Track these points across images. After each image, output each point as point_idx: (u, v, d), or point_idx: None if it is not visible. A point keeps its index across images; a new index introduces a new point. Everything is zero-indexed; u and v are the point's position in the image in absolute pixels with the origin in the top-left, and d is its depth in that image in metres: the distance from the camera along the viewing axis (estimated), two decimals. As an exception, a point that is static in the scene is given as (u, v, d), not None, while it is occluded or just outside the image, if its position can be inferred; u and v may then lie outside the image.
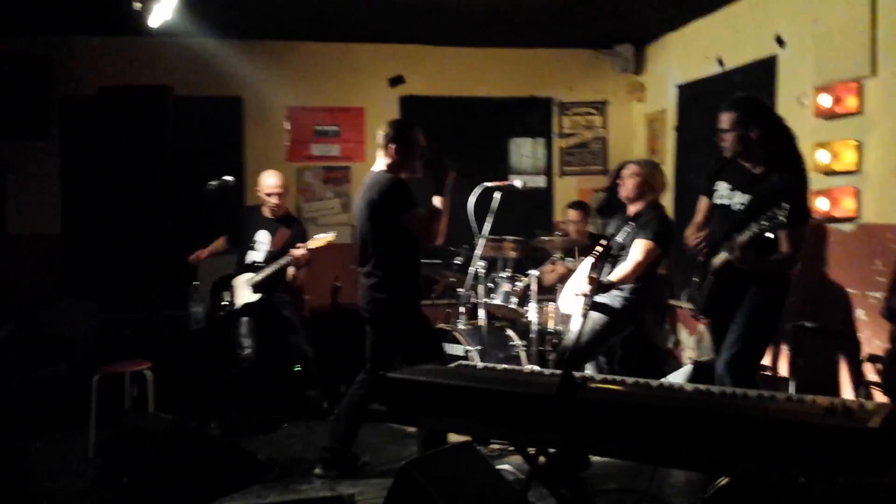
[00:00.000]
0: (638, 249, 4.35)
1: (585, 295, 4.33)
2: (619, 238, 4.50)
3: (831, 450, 1.88)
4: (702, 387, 2.38)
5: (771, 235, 3.39)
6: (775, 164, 3.66)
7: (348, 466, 4.34)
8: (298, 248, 5.14)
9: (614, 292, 4.42)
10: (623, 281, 4.35)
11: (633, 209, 4.57)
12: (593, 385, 2.39)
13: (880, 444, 1.87)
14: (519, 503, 3.17)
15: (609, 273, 4.38)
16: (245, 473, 4.21)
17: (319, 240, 5.17)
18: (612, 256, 4.40)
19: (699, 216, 4.01)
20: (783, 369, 4.97)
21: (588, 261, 4.75)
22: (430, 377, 2.65)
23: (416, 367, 2.87)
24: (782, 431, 1.95)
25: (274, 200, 5.39)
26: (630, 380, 2.48)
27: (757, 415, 2.04)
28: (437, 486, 3.08)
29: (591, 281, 4.20)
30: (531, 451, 2.41)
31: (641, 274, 4.37)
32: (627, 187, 4.56)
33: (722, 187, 3.84)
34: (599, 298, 4.41)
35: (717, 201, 3.87)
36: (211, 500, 3.90)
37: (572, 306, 4.69)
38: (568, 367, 2.10)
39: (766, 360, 4.97)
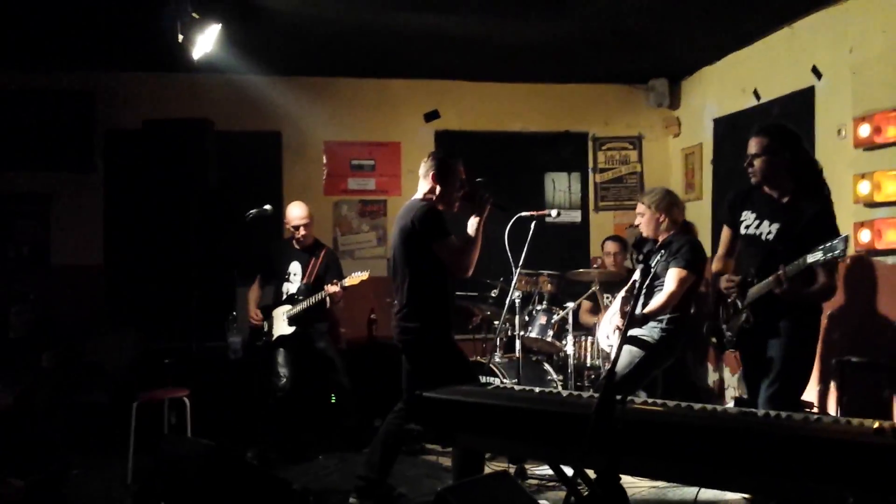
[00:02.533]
0: (672, 279, 4.30)
1: (619, 329, 4.29)
2: (651, 267, 4.44)
3: (881, 469, 1.83)
4: (745, 409, 2.33)
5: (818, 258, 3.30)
6: (802, 192, 3.61)
7: (384, 496, 4.30)
8: (333, 284, 5.21)
9: (651, 324, 4.36)
10: (659, 312, 4.29)
11: (661, 238, 4.53)
12: (633, 406, 2.36)
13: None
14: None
15: (645, 305, 4.34)
16: (281, 501, 4.19)
17: (354, 278, 5.23)
18: (647, 287, 4.37)
19: (723, 248, 3.96)
20: (828, 405, 4.85)
21: (622, 294, 4.73)
22: (467, 397, 2.64)
23: (453, 387, 2.85)
24: (830, 450, 1.91)
25: (301, 231, 5.46)
26: (671, 403, 2.45)
27: (804, 434, 2.00)
28: (474, 512, 3.05)
29: (624, 315, 4.17)
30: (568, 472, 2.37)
31: (677, 303, 4.32)
32: (641, 226, 4.56)
33: (748, 217, 3.78)
34: (636, 332, 4.35)
35: (745, 231, 3.80)
36: (246, 528, 3.89)
37: (611, 341, 4.63)
38: (608, 385, 2.08)
39: (811, 396, 4.86)
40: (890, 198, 4.42)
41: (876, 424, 2.05)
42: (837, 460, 1.90)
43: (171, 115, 5.94)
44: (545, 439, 2.34)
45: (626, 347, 4.30)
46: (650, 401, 2.41)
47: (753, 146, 3.67)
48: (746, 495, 4.42)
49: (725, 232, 3.97)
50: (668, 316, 4.35)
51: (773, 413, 2.24)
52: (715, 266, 3.98)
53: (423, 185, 4.19)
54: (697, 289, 4.60)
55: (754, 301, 3.63)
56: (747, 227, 3.78)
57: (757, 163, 3.65)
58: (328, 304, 5.37)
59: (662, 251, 4.42)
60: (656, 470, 2.16)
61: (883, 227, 4.45)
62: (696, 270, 4.37)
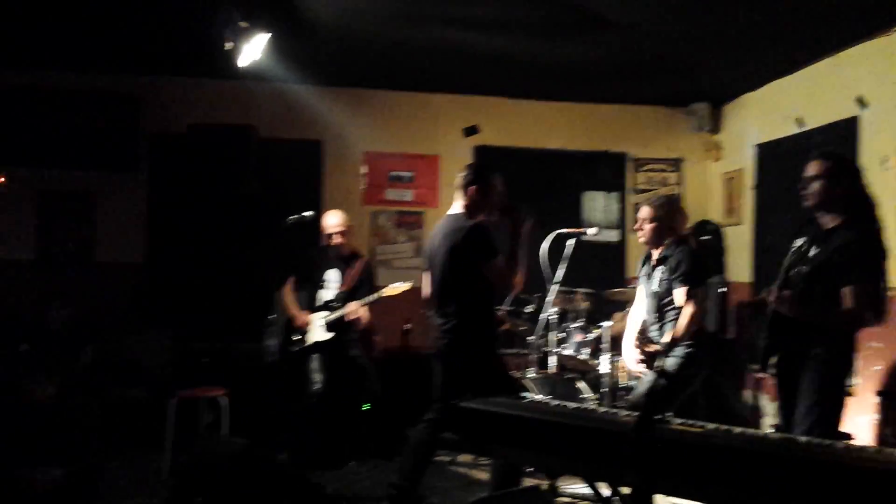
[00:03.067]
0: (681, 298, 4.22)
1: (645, 362, 4.25)
2: (655, 287, 4.38)
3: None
4: (786, 435, 2.34)
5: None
6: (850, 222, 3.50)
7: (414, 504, 4.34)
8: (352, 305, 5.29)
9: (670, 354, 4.27)
10: (684, 336, 4.22)
11: (656, 252, 4.43)
12: (671, 426, 2.38)
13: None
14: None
15: (662, 332, 4.31)
16: (313, 503, 4.26)
17: (395, 288, 5.28)
18: (656, 306, 4.35)
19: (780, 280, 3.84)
20: (869, 438, 4.79)
21: (631, 313, 4.69)
22: (503, 408, 2.67)
23: (489, 399, 2.89)
24: (872, 480, 1.92)
25: (337, 239, 5.52)
26: (710, 425, 2.46)
27: (845, 461, 2.01)
28: (505, 525, 3.09)
29: (645, 347, 4.18)
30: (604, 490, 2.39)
31: (697, 321, 4.26)
32: (646, 233, 4.43)
33: (797, 242, 3.72)
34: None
35: (791, 255, 3.79)
36: (278, 528, 3.95)
37: (633, 362, 4.57)
38: (648, 402, 2.11)
39: (851, 428, 4.80)
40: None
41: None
42: (879, 490, 1.91)
43: (215, 120, 6.06)
44: (579, 454, 2.36)
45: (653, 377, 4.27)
46: (689, 422, 2.42)
47: (812, 168, 3.58)
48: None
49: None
50: (686, 339, 4.25)
51: (815, 440, 2.25)
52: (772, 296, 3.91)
53: (460, 196, 4.23)
54: (706, 299, 4.55)
55: (776, 324, 3.60)
56: (793, 250, 3.76)
57: (815, 185, 3.56)
58: (365, 320, 5.42)
59: (662, 267, 4.33)
60: (692, 491, 2.17)
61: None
62: (701, 282, 4.30)
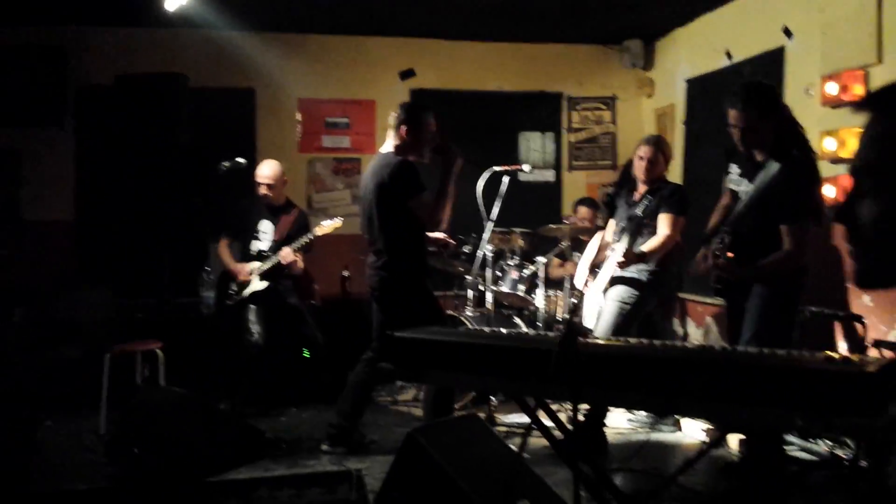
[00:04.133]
0: (666, 223, 4.32)
1: (621, 265, 4.26)
2: (638, 211, 4.44)
3: (830, 393, 1.91)
4: (703, 344, 2.41)
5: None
6: (778, 152, 3.58)
7: (355, 443, 4.39)
8: (284, 251, 5.22)
9: (640, 266, 4.36)
10: (655, 252, 4.31)
11: (644, 186, 4.51)
12: (596, 341, 2.43)
13: (877, 387, 1.90)
14: (523, 469, 3.22)
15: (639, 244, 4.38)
16: (253, 448, 4.26)
17: (326, 227, 5.23)
18: (635, 230, 4.42)
19: (725, 197, 3.95)
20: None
21: (597, 238, 4.75)
22: (438, 336, 2.70)
23: (424, 328, 2.91)
24: (783, 377, 1.99)
25: (266, 191, 5.43)
26: (633, 339, 2.53)
27: (758, 363, 2.08)
28: (443, 451, 3.13)
29: (628, 253, 4.22)
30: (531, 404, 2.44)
31: (670, 247, 4.37)
32: (645, 168, 4.47)
33: (733, 170, 3.85)
34: (626, 273, 4.35)
35: (730, 185, 3.88)
36: (220, 472, 3.94)
37: (591, 283, 4.59)
38: (571, 318, 2.14)
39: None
40: (853, 154, 4.50)
41: (826, 355, 2.13)
42: (788, 386, 1.98)
43: (144, 70, 5.87)
44: (513, 373, 2.40)
45: (615, 293, 4.34)
46: (613, 337, 2.48)
47: (734, 118, 3.62)
48: (702, 434, 4.59)
49: (726, 196, 3.97)
50: (656, 259, 4.36)
51: (729, 347, 2.33)
52: (715, 213, 3.98)
53: (393, 136, 4.22)
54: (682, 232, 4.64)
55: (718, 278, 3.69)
56: (731, 181, 3.84)
57: (736, 133, 3.65)
58: (301, 266, 5.36)
59: (650, 196, 4.42)
60: (617, 399, 2.24)
61: (846, 182, 4.55)
62: (685, 215, 4.43)
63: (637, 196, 4.53)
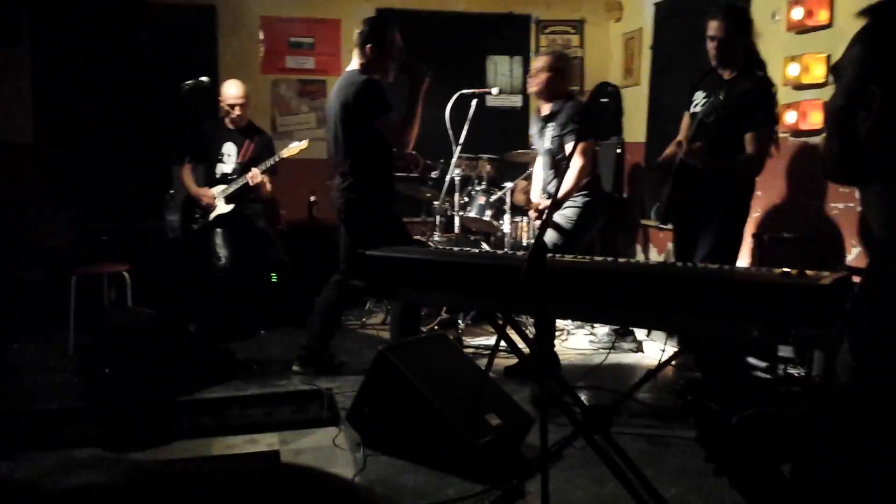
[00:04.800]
0: (574, 154, 4.17)
1: (539, 215, 4.31)
2: (547, 144, 4.41)
3: (785, 304, 2.00)
4: (665, 262, 2.48)
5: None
6: (746, 72, 3.77)
7: (325, 364, 4.46)
8: (252, 173, 5.17)
9: (567, 204, 4.35)
10: (574, 189, 4.28)
11: (547, 107, 4.42)
12: (562, 259, 2.50)
13: (830, 299, 1.99)
14: (490, 384, 3.32)
15: (557, 182, 4.35)
16: (224, 368, 4.32)
17: (292, 148, 5.19)
18: (551, 162, 4.43)
19: (681, 134, 4.02)
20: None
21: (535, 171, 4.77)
22: (409, 254, 2.74)
23: (394, 247, 2.95)
24: (740, 289, 2.08)
25: (237, 112, 5.36)
26: (598, 257, 2.59)
27: (717, 277, 2.16)
28: (412, 368, 3.22)
29: (538, 205, 4.29)
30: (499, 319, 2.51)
31: (587, 174, 4.34)
32: (539, 82, 4.37)
33: (698, 97, 3.93)
34: (557, 216, 4.35)
35: (693, 110, 3.95)
36: (191, 391, 4.01)
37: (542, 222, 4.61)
38: (539, 236, 2.19)
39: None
40: (817, 80, 4.57)
41: (783, 269, 2.22)
42: (745, 299, 2.07)
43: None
44: (480, 290, 2.45)
45: (554, 222, 4.37)
46: (578, 256, 2.54)
47: (714, 29, 3.77)
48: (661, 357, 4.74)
49: (685, 118, 4.06)
50: (579, 191, 4.34)
51: (689, 264, 2.41)
52: (668, 149, 4.05)
53: (358, 54, 4.15)
54: (595, 148, 4.64)
55: (677, 171, 3.79)
56: (696, 105, 3.93)
57: (716, 43, 3.77)
58: (268, 189, 5.33)
59: (552, 123, 4.36)
60: (581, 312, 2.31)
61: (808, 108, 4.62)
62: (589, 134, 4.35)
63: (541, 118, 4.47)
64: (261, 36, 6.60)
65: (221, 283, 5.34)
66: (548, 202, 4.39)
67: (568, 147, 4.29)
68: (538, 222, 4.61)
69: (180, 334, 4.26)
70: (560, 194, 4.20)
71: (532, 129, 4.67)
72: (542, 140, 4.48)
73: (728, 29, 3.73)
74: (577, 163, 4.26)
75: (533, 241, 5.40)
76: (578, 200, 4.36)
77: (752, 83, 3.69)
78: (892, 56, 1.17)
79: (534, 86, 4.45)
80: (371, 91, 4.01)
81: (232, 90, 5.37)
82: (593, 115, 4.35)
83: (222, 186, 5.37)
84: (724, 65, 3.82)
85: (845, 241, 4.45)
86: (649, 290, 2.17)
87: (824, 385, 1.32)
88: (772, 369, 4.38)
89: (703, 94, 3.91)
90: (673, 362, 3.51)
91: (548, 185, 4.51)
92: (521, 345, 2.63)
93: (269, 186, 5.29)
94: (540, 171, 4.65)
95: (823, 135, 1.35)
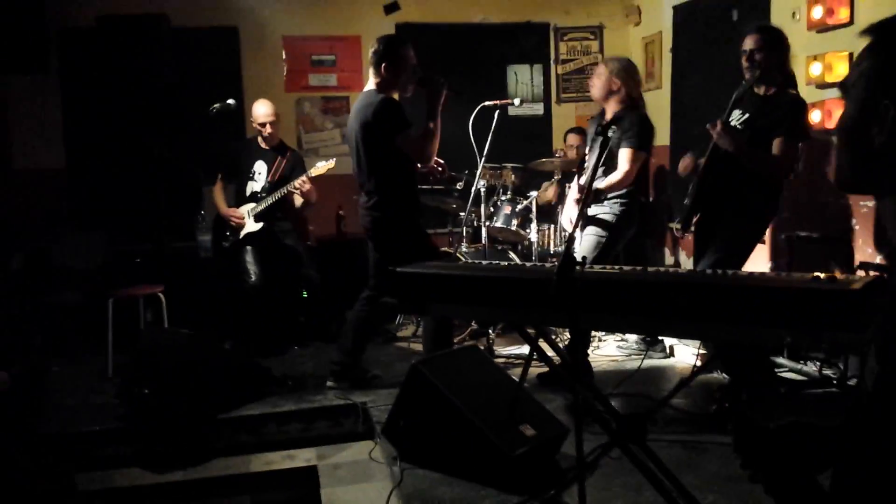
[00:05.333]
0: (624, 158, 4.25)
1: (578, 202, 4.30)
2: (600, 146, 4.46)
3: (816, 310, 2.01)
4: (692, 269, 2.50)
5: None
6: (782, 89, 3.83)
7: (359, 378, 4.50)
8: (301, 179, 5.23)
9: (607, 203, 4.35)
10: (614, 189, 4.29)
11: (609, 111, 4.42)
12: (591, 269, 2.52)
13: (861, 303, 2.00)
14: (524, 395, 3.35)
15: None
16: (260, 385, 4.38)
17: (320, 168, 5.26)
18: (598, 163, 4.44)
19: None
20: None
21: (577, 180, 4.82)
22: (439, 269, 2.78)
23: (423, 262, 2.99)
24: (771, 296, 2.09)
25: (268, 130, 5.45)
26: (626, 267, 2.61)
27: (746, 283, 2.18)
28: (446, 380, 3.26)
29: (581, 190, 4.27)
30: (531, 332, 2.54)
31: (633, 180, 4.35)
32: (595, 87, 4.44)
33: (735, 115, 3.92)
34: (595, 211, 4.37)
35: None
36: (228, 409, 4.07)
37: (572, 218, 4.63)
38: (568, 245, 2.22)
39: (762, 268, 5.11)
40: (839, 78, 4.55)
41: (813, 274, 2.23)
42: (777, 306, 2.08)
43: (125, 10, 5.78)
44: (512, 303, 2.49)
45: (590, 230, 4.39)
46: (607, 266, 2.56)
47: (751, 42, 3.83)
48: (692, 359, 4.74)
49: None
50: (622, 192, 4.34)
51: (719, 271, 2.42)
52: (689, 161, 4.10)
53: (374, 73, 4.19)
54: (648, 164, 4.68)
55: (704, 183, 3.82)
56: (732, 121, 3.92)
57: (757, 57, 3.80)
58: (298, 204, 5.40)
59: (614, 127, 4.35)
60: (612, 322, 2.33)
61: (833, 107, 4.60)
62: (645, 147, 4.36)
63: (605, 122, 4.45)
64: (283, 55, 6.70)
65: (253, 300, 5.41)
66: (579, 196, 4.36)
67: (622, 152, 4.28)
68: (570, 226, 4.59)
69: (217, 353, 4.33)
70: (602, 185, 4.24)
71: (590, 129, 4.67)
72: (596, 139, 4.44)
73: (763, 43, 3.79)
74: (624, 166, 4.26)
75: (562, 249, 5.45)
76: (615, 208, 4.35)
77: (787, 99, 3.78)
78: None
79: (593, 91, 4.46)
80: (389, 109, 4.05)
81: (262, 109, 5.46)
82: (651, 128, 4.38)
83: (252, 205, 5.45)
84: (759, 80, 3.84)
85: (874, 240, 4.42)
86: (679, 299, 2.19)
87: (855, 392, 1.34)
88: (804, 371, 4.36)
89: (741, 111, 3.91)
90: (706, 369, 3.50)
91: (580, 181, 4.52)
92: (552, 354, 2.66)
93: (314, 195, 5.33)
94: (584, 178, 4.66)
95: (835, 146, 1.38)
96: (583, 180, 4.47)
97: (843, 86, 1.33)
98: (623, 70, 4.39)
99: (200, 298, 5.63)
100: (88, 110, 6.31)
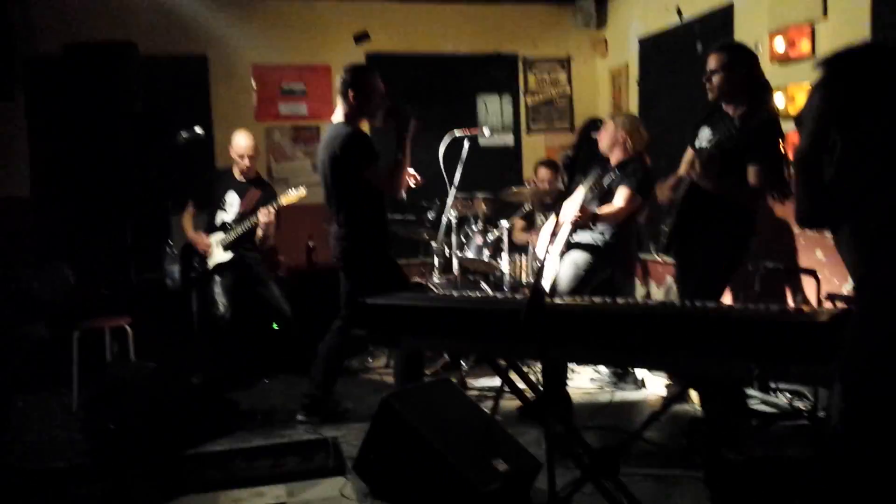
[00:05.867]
0: (621, 196, 4.35)
1: (574, 222, 4.32)
2: (605, 182, 4.51)
3: (784, 342, 2.03)
4: (663, 300, 2.52)
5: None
6: (753, 109, 3.71)
7: (330, 411, 4.45)
8: (264, 210, 5.21)
9: (595, 232, 4.42)
10: (608, 219, 4.36)
11: (615, 159, 4.55)
12: (560, 301, 2.53)
13: (829, 336, 2.01)
14: (496, 429, 3.33)
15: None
16: (228, 420, 4.31)
17: (291, 196, 5.24)
18: (598, 199, 4.49)
19: (683, 167, 4.03)
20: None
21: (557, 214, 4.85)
22: (410, 301, 2.77)
23: (394, 294, 2.98)
24: (739, 327, 2.11)
25: (246, 162, 5.43)
26: (597, 298, 2.62)
27: (715, 316, 2.19)
28: (417, 415, 3.23)
29: (583, 209, 4.30)
30: (502, 363, 2.54)
31: (621, 221, 4.42)
32: (602, 140, 4.57)
33: (704, 133, 3.91)
34: (580, 238, 4.42)
35: (698, 146, 3.93)
36: (196, 444, 4.00)
37: (549, 251, 4.65)
38: (537, 279, 2.23)
39: (729, 301, 5.16)
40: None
41: (781, 306, 2.25)
42: (746, 337, 2.09)
43: (93, 38, 5.75)
44: (482, 335, 2.48)
45: (571, 258, 4.41)
46: (577, 298, 2.57)
47: (712, 62, 3.76)
48: (664, 391, 4.76)
49: (688, 153, 4.05)
50: (611, 229, 4.41)
51: (688, 302, 2.44)
52: (671, 181, 4.08)
53: (342, 102, 4.19)
54: (641, 213, 4.75)
55: (685, 196, 3.82)
56: (700, 141, 3.90)
57: (715, 78, 3.74)
58: (261, 234, 5.35)
59: (617, 171, 4.48)
60: (582, 355, 2.34)
61: (796, 137, 4.68)
62: (644, 193, 4.44)
63: (609, 168, 4.59)
64: (253, 84, 6.68)
65: (222, 332, 5.34)
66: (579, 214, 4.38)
67: (620, 189, 4.37)
68: (543, 254, 4.61)
69: (183, 387, 4.27)
70: (597, 210, 4.35)
71: (590, 176, 4.70)
72: (604, 180, 4.53)
73: (725, 62, 3.71)
74: (619, 203, 4.35)
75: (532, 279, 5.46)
76: (599, 241, 4.40)
77: (759, 119, 3.68)
78: (849, 104, 1.21)
79: (601, 145, 4.55)
80: (356, 143, 4.05)
81: (242, 141, 5.44)
82: (652, 179, 4.44)
83: (221, 235, 5.41)
84: (724, 99, 3.79)
85: (841, 270, 4.48)
86: (648, 331, 2.20)
87: (823, 427, 1.35)
88: (774, 403, 4.39)
89: (710, 130, 3.89)
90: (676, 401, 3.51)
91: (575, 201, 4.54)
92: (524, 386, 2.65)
93: (272, 229, 5.30)
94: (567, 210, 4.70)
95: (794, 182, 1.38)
96: (564, 212, 4.49)
97: (797, 119, 1.35)
98: (629, 123, 4.57)
99: (168, 330, 5.55)
100: (55, 138, 6.21)
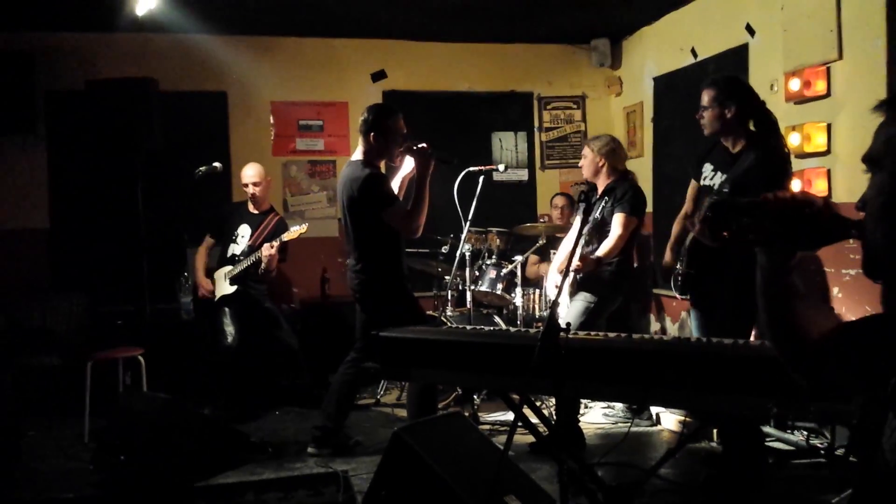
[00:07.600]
0: (618, 223, 4.39)
1: (577, 271, 4.34)
2: (597, 214, 4.52)
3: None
4: (679, 337, 2.50)
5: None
6: (754, 143, 3.65)
7: (341, 444, 4.43)
8: (267, 245, 5.24)
9: (601, 266, 4.43)
10: (609, 254, 4.40)
11: (601, 185, 4.58)
12: (576, 335, 2.51)
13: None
14: (508, 465, 3.29)
15: (595, 249, 4.46)
16: (239, 452, 4.29)
17: (292, 233, 5.27)
18: (595, 232, 4.51)
19: (688, 204, 4.03)
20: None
21: (565, 243, 4.88)
22: (422, 335, 2.76)
23: (408, 327, 2.98)
24: (755, 365, 2.09)
25: (251, 190, 5.50)
26: (612, 334, 2.61)
27: (732, 353, 2.17)
28: (429, 449, 3.19)
29: (584, 259, 4.30)
30: (515, 398, 2.52)
31: (624, 246, 4.44)
32: (584, 168, 4.65)
33: (707, 169, 3.87)
34: (577, 296, 4.44)
35: (702, 183, 3.91)
36: (207, 477, 3.97)
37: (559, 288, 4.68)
38: (552, 311, 2.22)
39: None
40: (819, 148, 4.64)
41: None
42: (762, 375, 2.08)
43: (114, 75, 5.85)
44: (495, 369, 2.47)
45: (579, 294, 4.42)
46: (592, 333, 2.56)
47: (703, 98, 3.75)
48: (678, 427, 4.70)
49: (692, 187, 4.04)
50: (615, 258, 4.43)
51: (704, 339, 2.42)
52: (677, 223, 4.08)
53: (363, 141, 4.22)
54: (639, 232, 4.76)
55: (690, 248, 3.79)
56: (705, 178, 3.88)
57: (706, 114, 3.72)
58: (261, 270, 5.37)
59: (606, 197, 4.50)
60: (597, 391, 2.32)
61: (812, 176, 4.68)
62: (638, 214, 4.49)
63: (597, 194, 4.60)
64: (271, 120, 6.77)
65: (229, 362, 5.35)
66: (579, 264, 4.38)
67: (616, 217, 4.41)
68: (554, 291, 4.62)
69: (194, 418, 4.25)
70: (601, 253, 4.38)
71: (579, 205, 4.72)
72: (595, 212, 4.52)
73: (714, 97, 3.67)
74: (617, 231, 4.39)
75: (547, 314, 5.45)
76: (605, 274, 4.41)
77: (757, 156, 3.59)
78: None
79: (582, 171, 4.64)
80: (374, 186, 4.06)
81: (247, 170, 5.55)
82: (643, 196, 4.53)
83: (229, 267, 5.45)
84: (718, 134, 3.76)
85: (859, 309, 4.44)
86: (664, 367, 2.18)
87: (867, 466, 1.28)
88: (791, 441, 4.32)
89: (712, 167, 3.85)
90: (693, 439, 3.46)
91: (586, 251, 4.55)
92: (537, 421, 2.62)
93: (273, 263, 5.31)
94: (568, 243, 4.72)
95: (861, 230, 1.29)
96: (568, 251, 4.50)
97: (868, 159, 1.28)
98: (605, 146, 4.57)
99: (181, 361, 5.56)
100: (74, 171, 6.32)
